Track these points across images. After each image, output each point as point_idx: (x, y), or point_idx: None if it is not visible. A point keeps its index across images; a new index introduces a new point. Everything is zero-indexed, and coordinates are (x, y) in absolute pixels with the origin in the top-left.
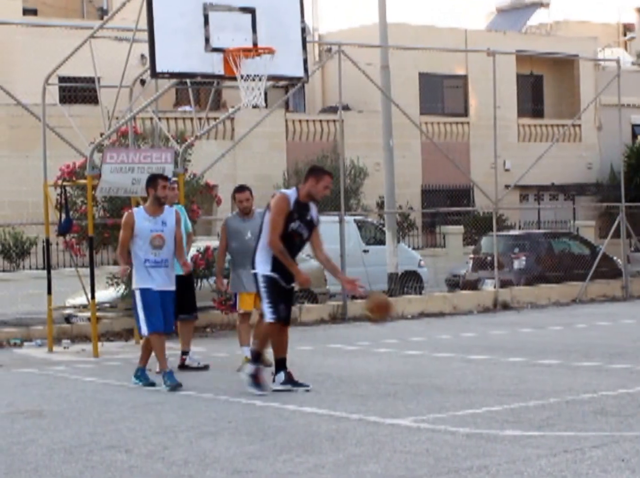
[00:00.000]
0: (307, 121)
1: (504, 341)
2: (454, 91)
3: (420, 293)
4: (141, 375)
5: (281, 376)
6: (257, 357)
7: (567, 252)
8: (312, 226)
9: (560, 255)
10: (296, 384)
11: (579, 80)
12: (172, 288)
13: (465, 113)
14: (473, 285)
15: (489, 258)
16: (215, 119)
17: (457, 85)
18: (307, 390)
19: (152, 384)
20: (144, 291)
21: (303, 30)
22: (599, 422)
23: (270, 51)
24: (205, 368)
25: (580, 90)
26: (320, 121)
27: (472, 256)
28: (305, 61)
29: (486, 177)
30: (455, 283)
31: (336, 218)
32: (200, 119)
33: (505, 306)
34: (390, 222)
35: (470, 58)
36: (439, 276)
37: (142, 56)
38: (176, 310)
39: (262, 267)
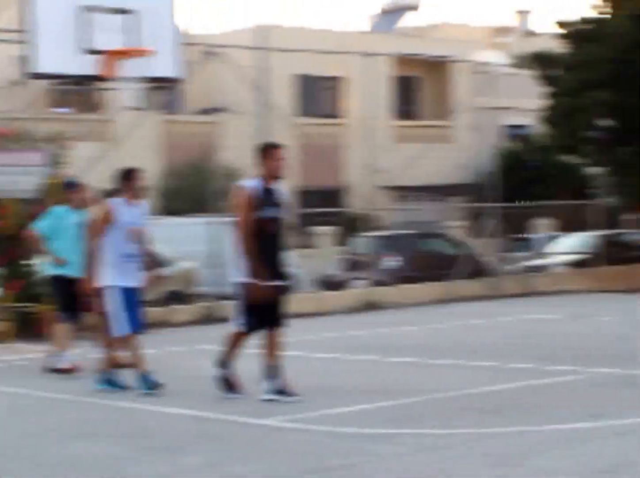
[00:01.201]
0: (185, 122)
1: (375, 340)
2: (330, 92)
3: (293, 293)
4: (146, 380)
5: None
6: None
7: (437, 252)
8: (284, 207)
9: (431, 255)
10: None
11: (453, 82)
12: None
13: (341, 115)
14: (343, 285)
15: (359, 258)
16: (92, 120)
17: (333, 87)
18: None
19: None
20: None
21: (179, 32)
22: (465, 419)
23: (147, 53)
24: (71, 370)
25: (454, 92)
26: (198, 122)
27: (343, 256)
28: (181, 63)
29: (360, 178)
30: (326, 284)
31: (210, 219)
32: (76, 120)
33: (376, 306)
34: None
35: (347, 60)
36: (310, 277)
37: (17, 57)
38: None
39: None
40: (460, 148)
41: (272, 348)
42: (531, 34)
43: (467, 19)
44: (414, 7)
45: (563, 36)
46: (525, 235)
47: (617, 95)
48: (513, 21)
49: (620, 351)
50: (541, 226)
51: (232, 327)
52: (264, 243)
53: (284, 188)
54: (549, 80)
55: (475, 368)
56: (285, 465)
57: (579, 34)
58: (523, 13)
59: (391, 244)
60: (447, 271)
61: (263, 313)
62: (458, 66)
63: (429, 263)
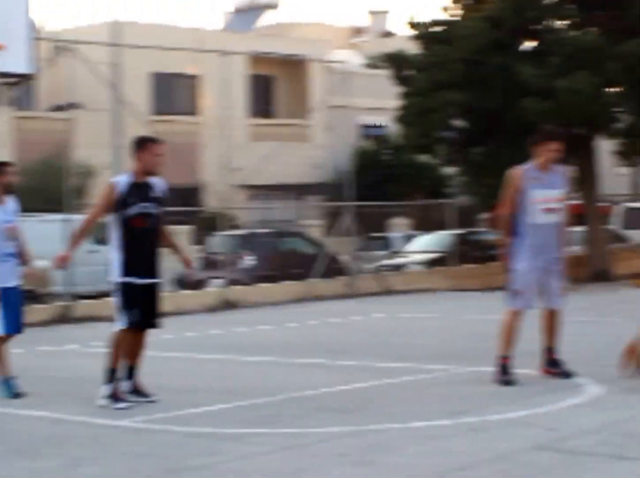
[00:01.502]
0: (37, 118)
1: (233, 340)
2: (186, 90)
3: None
4: (8, 386)
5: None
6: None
7: (294, 251)
8: (160, 202)
9: (288, 254)
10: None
11: (309, 81)
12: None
13: (197, 113)
14: (200, 285)
15: (216, 257)
16: None
17: (189, 85)
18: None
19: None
20: None
21: (31, 27)
22: (321, 418)
23: None
24: None
25: (310, 91)
26: (51, 119)
27: (200, 255)
28: (32, 58)
29: (216, 177)
30: (182, 283)
31: (61, 217)
32: None
33: (233, 305)
34: None
35: (204, 58)
36: (166, 276)
37: None
38: None
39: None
40: (317, 147)
41: (137, 348)
42: (387, 34)
43: (324, 19)
44: (273, 6)
45: (415, 37)
46: (382, 234)
47: (469, 96)
48: (368, 22)
49: (476, 349)
50: (398, 225)
51: (114, 327)
52: (134, 239)
53: (162, 183)
54: (402, 80)
55: (331, 367)
56: (142, 465)
57: (431, 35)
58: (377, 14)
59: (248, 243)
60: (305, 270)
61: (141, 310)
62: (314, 65)
63: (286, 262)
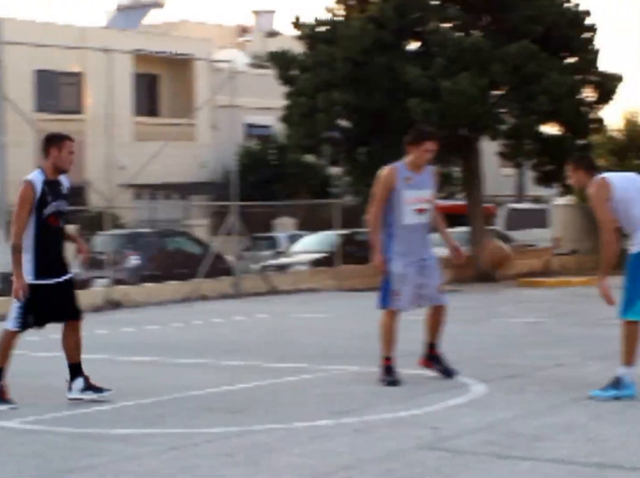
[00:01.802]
0: None
1: (116, 339)
2: (70, 88)
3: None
4: None
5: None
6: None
7: (180, 250)
8: (67, 199)
9: (174, 253)
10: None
11: (195, 80)
12: None
13: (81, 111)
14: (85, 284)
15: (101, 256)
16: None
17: (73, 82)
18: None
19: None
20: None
21: None
22: (207, 419)
23: None
24: None
25: (195, 90)
26: None
27: None
28: None
29: (100, 176)
30: None
31: None
32: None
33: (118, 305)
34: (2, 220)
35: (87, 56)
36: None
37: None
38: None
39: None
40: (202, 146)
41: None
42: (273, 34)
43: (210, 18)
44: (158, 4)
45: (299, 37)
46: (267, 234)
47: (354, 96)
48: (253, 21)
49: (359, 349)
50: (283, 225)
51: (5, 326)
52: (48, 239)
53: (67, 180)
54: (287, 80)
55: (216, 367)
56: (28, 467)
57: (315, 35)
58: (262, 13)
59: (133, 242)
60: (191, 269)
61: (44, 310)
62: (200, 64)
63: (171, 262)
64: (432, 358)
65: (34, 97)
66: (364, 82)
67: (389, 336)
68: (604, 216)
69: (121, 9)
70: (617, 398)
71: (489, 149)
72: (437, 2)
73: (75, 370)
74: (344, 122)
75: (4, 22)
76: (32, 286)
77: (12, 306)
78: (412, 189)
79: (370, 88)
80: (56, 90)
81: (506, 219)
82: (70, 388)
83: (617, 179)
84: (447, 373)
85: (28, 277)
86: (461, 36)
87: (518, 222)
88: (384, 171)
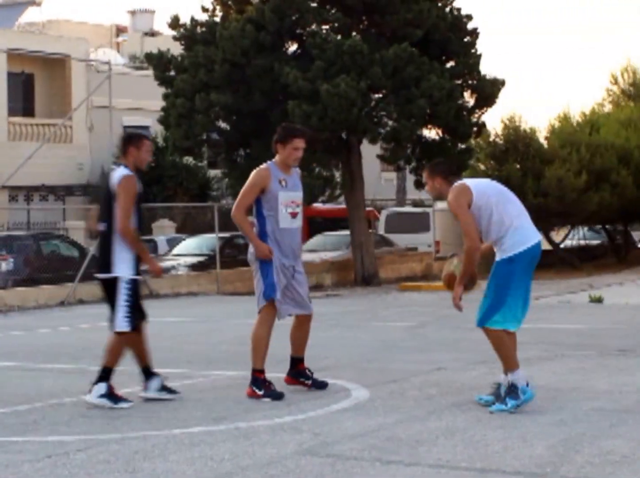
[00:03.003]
0: None
1: None
2: None
3: None
4: None
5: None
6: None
7: (56, 253)
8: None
9: (50, 257)
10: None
11: (71, 80)
12: None
13: None
14: None
15: None
16: None
17: None
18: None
19: None
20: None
21: None
22: (84, 425)
23: None
24: None
25: (71, 90)
26: None
27: None
28: None
29: None
30: None
31: None
32: None
33: None
34: None
35: None
36: None
37: None
38: None
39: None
40: (79, 148)
41: None
42: (151, 33)
43: (87, 17)
44: (35, 3)
45: (176, 38)
46: (147, 237)
47: (233, 98)
48: (130, 21)
49: (239, 353)
50: (163, 228)
51: (116, 329)
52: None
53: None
54: (165, 81)
55: (88, 373)
56: None
57: (193, 36)
58: (139, 13)
59: (6, 245)
60: (68, 273)
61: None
62: (76, 64)
63: (47, 265)
64: (300, 374)
65: None
66: (243, 84)
67: (263, 347)
68: (467, 222)
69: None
70: (519, 406)
71: (370, 152)
72: (316, 4)
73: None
74: (223, 124)
75: None
76: (135, 282)
77: (120, 308)
78: (285, 191)
79: (249, 90)
80: None
81: (387, 223)
82: (147, 388)
83: (476, 185)
84: (319, 386)
85: (130, 272)
86: (340, 39)
87: (399, 226)
88: (259, 171)
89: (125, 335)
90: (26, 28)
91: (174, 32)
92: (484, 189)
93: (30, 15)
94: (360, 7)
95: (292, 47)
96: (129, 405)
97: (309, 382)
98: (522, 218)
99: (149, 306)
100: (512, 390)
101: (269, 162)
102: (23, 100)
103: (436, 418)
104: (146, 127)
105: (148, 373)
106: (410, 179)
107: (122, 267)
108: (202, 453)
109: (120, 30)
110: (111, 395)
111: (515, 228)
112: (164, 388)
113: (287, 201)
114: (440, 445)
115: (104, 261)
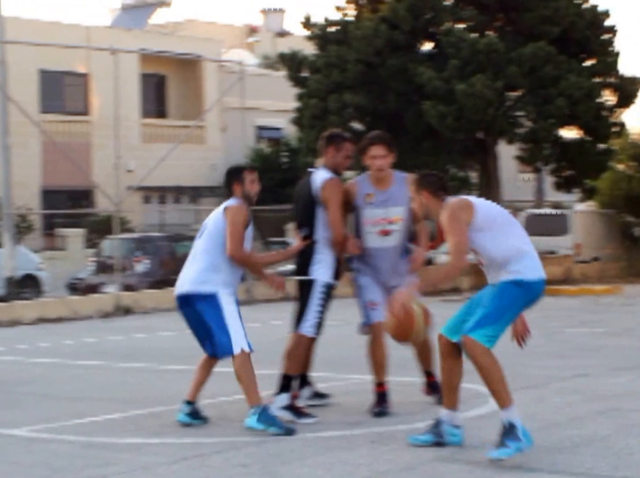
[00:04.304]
0: None
1: (124, 346)
2: (76, 89)
3: (39, 298)
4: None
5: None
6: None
7: None
8: None
9: (184, 258)
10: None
11: (203, 81)
12: None
13: (87, 112)
14: (94, 289)
15: (110, 261)
16: None
17: (78, 83)
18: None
19: None
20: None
21: None
22: (220, 428)
23: None
24: None
25: (204, 91)
26: None
27: (93, 259)
28: None
29: (108, 178)
30: (75, 287)
31: None
32: None
33: (127, 311)
34: (8, 223)
35: (93, 56)
36: (58, 280)
37: None
38: None
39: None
40: (211, 149)
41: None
42: (283, 34)
43: (218, 18)
44: (165, 3)
45: (310, 38)
46: (280, 238)
47: (365, 98)
48: (261, 21)
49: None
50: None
51: (301, 331)
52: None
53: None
54: (298, 81)
55: (229, 375)
56: (36, 476)
57: (326, 35)
58: (271, 12)
59: (142, 247)
60: None
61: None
62: (208, 65)
63: (181, 267)
64: (431, 386)
65: (39, 98)
66: (377, 84)
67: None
68: (461, 238)
69: (126, 8)
70: (520, 450)
71: (507, 152)
72: (451, 3)
73: (304, 379)
74: (357, 125)
75: (7, 21)
76: (331, 288)
77: (311, 311)
78: (372, 209)
79: (383, 90)
80: (61, 91)
81: (525, 225)
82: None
83: (480, 203)
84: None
85: (327, 277)
86: (475, 37)
87: (537, 228)
88: (348, 186)
89: (308, 340)
90: (158, 29)
91: (305, 32)
92: (490, 208)
93: (161, 16)
94: (496, 4)
95: (426, 47)
96: (313, 420)
97: (439, 395)
98: (531, 246)
99: (282, 308)
100: (511, 430)
101: (362, 175)
102: (156, 102)
103: (577, 425)
104: (279, 128)
105: (304, 381)
106: (548, 180)
107: (321, 271)
108: (339, 458)
109: (252, 30)
110: (294, 408)
111: (525, 252)
112: (316, 395)
113: (375, 219)
114: (581, 454)
115: (303, 263)
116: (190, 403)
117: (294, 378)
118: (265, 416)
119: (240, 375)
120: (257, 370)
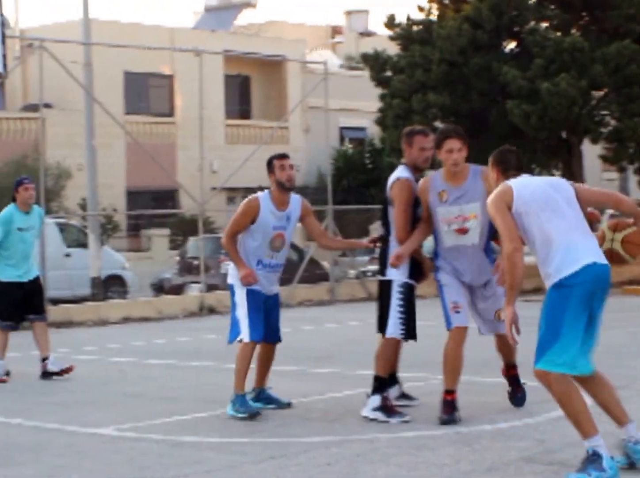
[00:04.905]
0: (7, 119)
1: (210, 346)
2: (160, 90)
3: (125, 298)
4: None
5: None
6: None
7: None
8: None
9: None
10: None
11: (287, 82)
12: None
13: (172, 113)
14: (179, 289)
15: (195, 261)
16: None
17: (163, 84)
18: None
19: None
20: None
21: (2, 24)
22: (305, 427)
23: None
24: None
25: (288, 92)
26: (21, 118)
27: (178, 259)
28: (4, 57)
29: (192, 179)
30: (161, 287)
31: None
32: None
33: (212, 311)
34: (94, 224)
35: (177, 57)
36: (144, 280)
37: None
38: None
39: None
40: (295, 149)
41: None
42: (366, 34)
43: (301, 18)
44: (250, 5)
45: (393, 38)
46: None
47: (449, 98)
48: (344, 22)
49: (467, 358)
50: (379, 230)
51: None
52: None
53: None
54: (381, 82)
55: (311, 375)
56: (122, 474)
57: (409, 35)
58: (354, 13)
59: None
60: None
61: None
62: (292, 66)
63: None
64: (511, 379)
65: (124, 100)
66: (461, 84)
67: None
68: (505, 222)
69: (209, 10)
70: None
71: (590, 151)
72: (535, 1)
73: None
74: (441, 125)
75: (92, 23)
76: (409, 287)
77: (391, 312)
78: (445, 206)
79: (466, 90)
80: (146, 92)
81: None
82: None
83: (520, 187)
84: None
85: (403, 276)
86: (560, 36)
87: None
88: (421, 183)
89: (394, 341)
90: (243, 30)
91: (389, 32)
92: (527, 194)
93: (247, 17)
94: (580, 3)
95: (510, 46)
96: (403, 419)
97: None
98: (574, 233)
99: (364, 308)
100: (594, 459)
101: (436, 172)
102: (240, 102)
103: None
104: (363, 129)
105: (392, 380)
106: (633, 179)
107: (395, 271)
108: (424, 458)
109: (335, 31)
110: (385, 408)
111: (564, 246)
112: (403, 395)
113: (449, 217)
114: None
115: (381, 263)
116: (254, 389)
117: (385, 380)
118: (238, 402)
119: (236, 361)
120: (327, 369)
